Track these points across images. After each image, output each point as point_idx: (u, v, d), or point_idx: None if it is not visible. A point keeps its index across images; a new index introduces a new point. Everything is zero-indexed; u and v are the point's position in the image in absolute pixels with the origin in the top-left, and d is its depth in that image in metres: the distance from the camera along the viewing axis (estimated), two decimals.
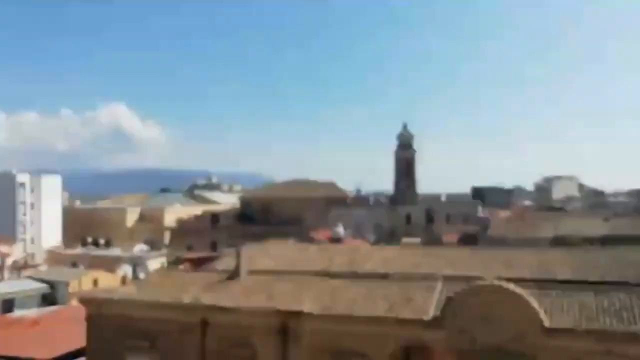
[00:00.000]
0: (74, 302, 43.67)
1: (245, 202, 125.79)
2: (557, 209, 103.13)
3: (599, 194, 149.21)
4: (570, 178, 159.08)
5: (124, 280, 59.37)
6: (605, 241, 42.28)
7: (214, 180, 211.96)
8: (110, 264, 67.10)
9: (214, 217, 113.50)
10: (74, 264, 70.98)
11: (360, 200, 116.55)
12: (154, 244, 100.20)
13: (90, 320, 26.72)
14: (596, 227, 49.26)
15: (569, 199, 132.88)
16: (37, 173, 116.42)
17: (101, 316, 26.47)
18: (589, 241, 41.05)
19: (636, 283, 24.61)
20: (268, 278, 27.23)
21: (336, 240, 60.74)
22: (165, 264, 69.16)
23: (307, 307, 23.59)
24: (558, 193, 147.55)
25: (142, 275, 59.55)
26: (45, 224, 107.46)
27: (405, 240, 75.25)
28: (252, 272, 28.32)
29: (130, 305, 26.14)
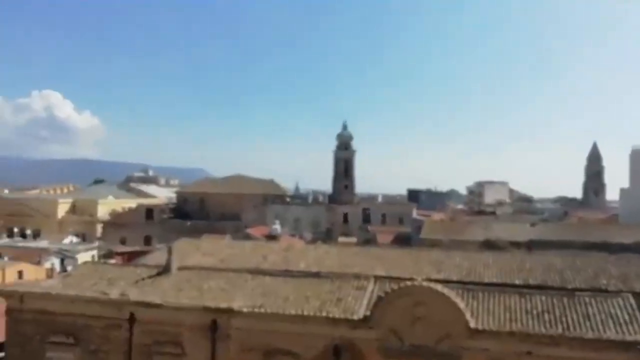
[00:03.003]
0: None
1: (181, 197, 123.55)
2: (487, 213, 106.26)
3: (527, 199, 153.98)
4: (502, 183, 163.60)
5: (50, 273, 57.33)
6: (531, 246, 43.86)
7: (151, 173, 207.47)
8: (37, 256, 64.59)
9: (149, 211, 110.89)
10: None
11: (299, 198, 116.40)
12: (85, 237, 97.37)
13: (11, 314, 25.63)
14: (523, 232, 50.96)
15: (500, 203, 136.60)
16: None
17: (22, 310, 25.40)
18: (516, 245, 42.41)
19: (558, 287, 25.66)
20: (199, 274, 26.87)
21: (273, 237, 60.52)
22: (96, 258, 67.16)
23: (237, 304, 23.36)
24: (489, 197, 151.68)
25: (70, 269, 57.69)
26: None
27: (341, 239, 75.92)
28: (183, 268, 27.88)
29: (53, 299, 25.13)
